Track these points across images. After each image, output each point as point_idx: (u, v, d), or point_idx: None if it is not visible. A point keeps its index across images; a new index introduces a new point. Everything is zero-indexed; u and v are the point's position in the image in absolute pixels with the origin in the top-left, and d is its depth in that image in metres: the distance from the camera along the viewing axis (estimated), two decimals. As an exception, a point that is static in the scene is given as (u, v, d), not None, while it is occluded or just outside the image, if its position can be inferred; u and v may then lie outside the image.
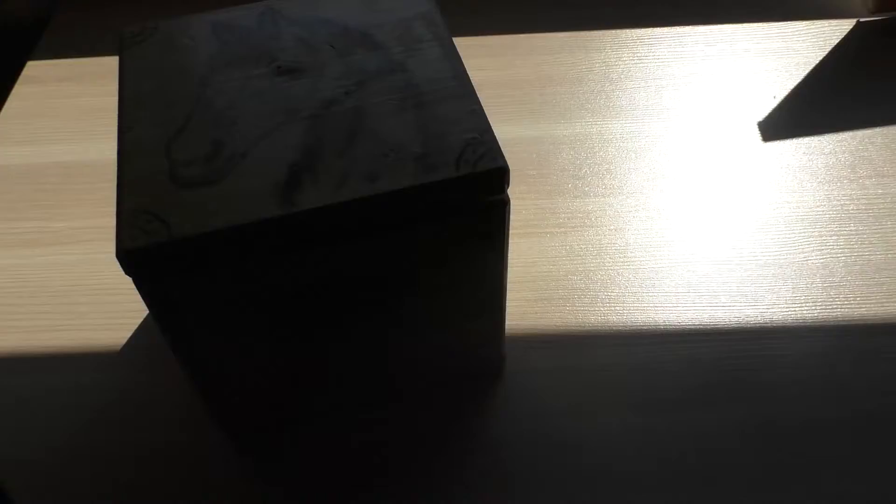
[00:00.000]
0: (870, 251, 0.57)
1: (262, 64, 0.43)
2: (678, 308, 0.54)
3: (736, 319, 0.53)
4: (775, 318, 0.53)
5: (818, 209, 0.59)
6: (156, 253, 0.36)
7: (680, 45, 0.73)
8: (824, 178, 0.61)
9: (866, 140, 0.64)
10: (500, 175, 0.38)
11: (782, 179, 0.62)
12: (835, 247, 0.57)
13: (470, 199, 0.39)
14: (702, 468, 0.47)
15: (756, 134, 0.65)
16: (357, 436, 0.49)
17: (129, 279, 0.37)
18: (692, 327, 0.53)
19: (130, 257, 0.36)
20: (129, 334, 0.54)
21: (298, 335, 0.43)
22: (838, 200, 0.60)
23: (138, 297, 0.38)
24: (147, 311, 0.54)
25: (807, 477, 0.46)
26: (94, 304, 0.56)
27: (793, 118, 0.66)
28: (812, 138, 0.64)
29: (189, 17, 0.46)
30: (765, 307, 0.54)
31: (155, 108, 0.41)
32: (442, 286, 0.43)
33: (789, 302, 0.54)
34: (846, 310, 0.54)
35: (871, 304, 0.54)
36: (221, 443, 0.49)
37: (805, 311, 0.54)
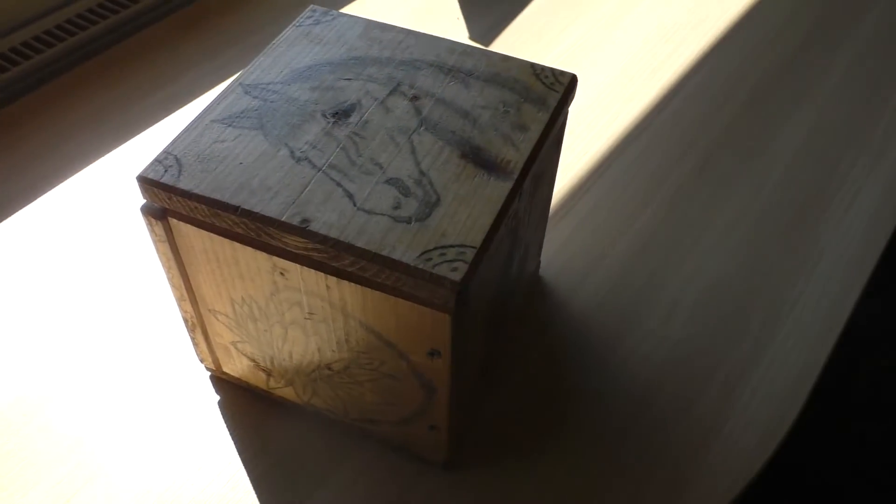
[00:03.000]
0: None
1: (318, 117, 0.43)
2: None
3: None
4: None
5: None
6: (471, 271, 0.37)
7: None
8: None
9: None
10: (574, 82, 0.47)
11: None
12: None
13: (564, 105, 0.47)
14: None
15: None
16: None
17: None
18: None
19: (462, 285, 0.37)
20: None
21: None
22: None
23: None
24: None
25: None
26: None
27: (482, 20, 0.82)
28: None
29: (187, 132, 0.43)
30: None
31: (297, 196, 0.40)
32: (546, 192, 0.51)
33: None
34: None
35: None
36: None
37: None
